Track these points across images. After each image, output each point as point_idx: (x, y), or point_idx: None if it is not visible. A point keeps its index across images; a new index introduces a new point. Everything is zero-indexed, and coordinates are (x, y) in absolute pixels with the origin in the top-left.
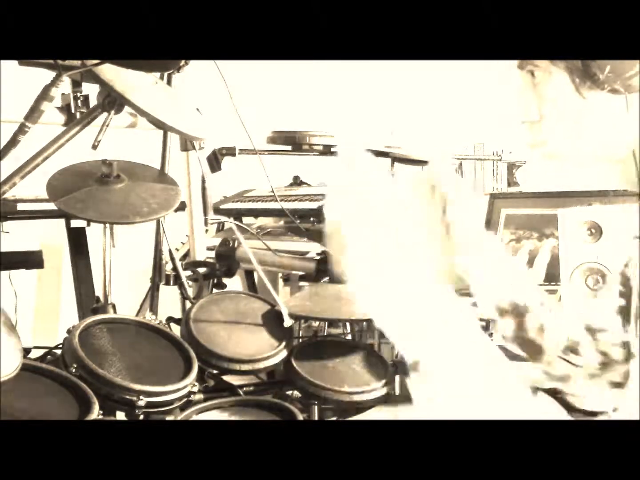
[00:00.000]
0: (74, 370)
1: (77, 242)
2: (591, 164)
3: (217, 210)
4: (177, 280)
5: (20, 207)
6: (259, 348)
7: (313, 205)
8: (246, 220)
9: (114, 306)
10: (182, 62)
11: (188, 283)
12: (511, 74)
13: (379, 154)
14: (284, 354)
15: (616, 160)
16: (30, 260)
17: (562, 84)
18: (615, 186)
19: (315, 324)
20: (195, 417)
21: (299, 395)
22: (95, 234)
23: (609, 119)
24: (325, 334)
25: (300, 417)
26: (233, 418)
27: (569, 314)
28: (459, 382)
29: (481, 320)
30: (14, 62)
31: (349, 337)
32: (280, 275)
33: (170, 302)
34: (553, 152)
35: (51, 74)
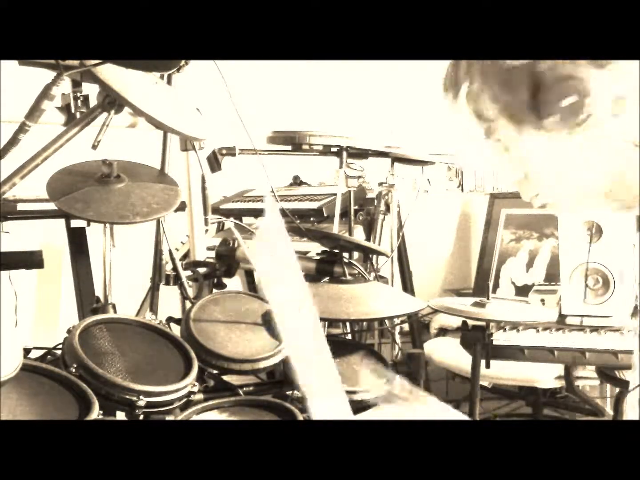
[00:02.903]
0: (74, 370)
1: (77, 242)
2: (585, 201)
3: (217, 210)
4: (177, 280)
5: (20, 207)
6: (259, 348)
7: (313, 205)
8: (246, 220)
9: (114, 306)
10: (182, 62)
11: (188, 283)
12: (482, 144)
13: (379, 154)
14: (284, 354)
15: (606, 192)
16: (30, 260)
17: (530, 140)
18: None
19: None
20: (195, 417)
21: (299, 395)
22: (95, 234)
23: (587, 154)
24: (325, 334)
25: (300, 417)
26: (233, 418)
27: None
28: None
29: None
30: (14, 62)
31: (349, 337)
32: None
33: (170, 302)
34: (547, 202)
35: (51, 74)
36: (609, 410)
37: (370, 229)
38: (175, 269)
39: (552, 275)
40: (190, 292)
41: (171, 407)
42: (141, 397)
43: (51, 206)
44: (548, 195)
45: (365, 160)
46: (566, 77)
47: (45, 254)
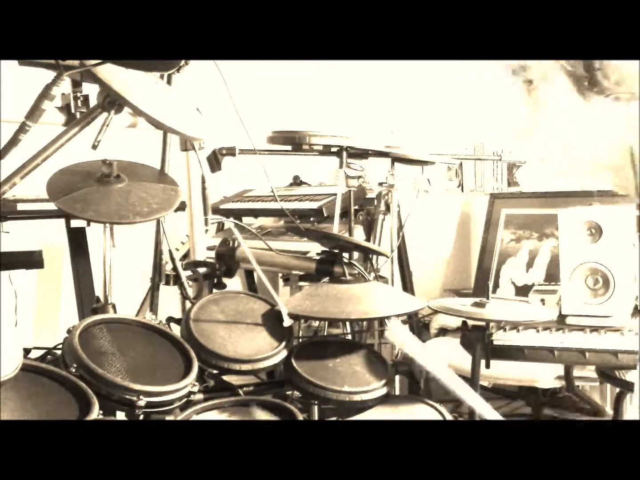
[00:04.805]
0: (74, 370)
1: (77, 242)
2: (586, 168)
3: (217, 210)
4: (177, 280)
5: (20, 207)
6: (259, 348)
7: (313, 205)
8: (246, 220)
9: (114, 306)
10: (182, 62)
11: (188, 283)
12: (505, 81)
13: (379, 154)
14: (284, 354)
15: (611, 166)
16: (30, 260)
17: (560, 90)
18: (612, 215)
19: (315, 323)
20: (195, 417)
21: (299, 395)
22: (95, 234)
23: (606, 124)
24: (325, 334)
25: (300, 417)
26: (233, 418)
27: None
28: None
29: None
30: (14, 62)
31: (349, 337)
32: (280, 275)
33: (170, 302)
34: (548, 157)
35: (51, 74)
36: (609, 410)
37: (370, 229)
38: (175, 269)
39: (552, 275)
40: (190, 292)
41: (171, 407)
42: (141, 397)
43: (51, 206)
44: (552, 150)
45: (365, 160)
46: None
47: (45, 254)
